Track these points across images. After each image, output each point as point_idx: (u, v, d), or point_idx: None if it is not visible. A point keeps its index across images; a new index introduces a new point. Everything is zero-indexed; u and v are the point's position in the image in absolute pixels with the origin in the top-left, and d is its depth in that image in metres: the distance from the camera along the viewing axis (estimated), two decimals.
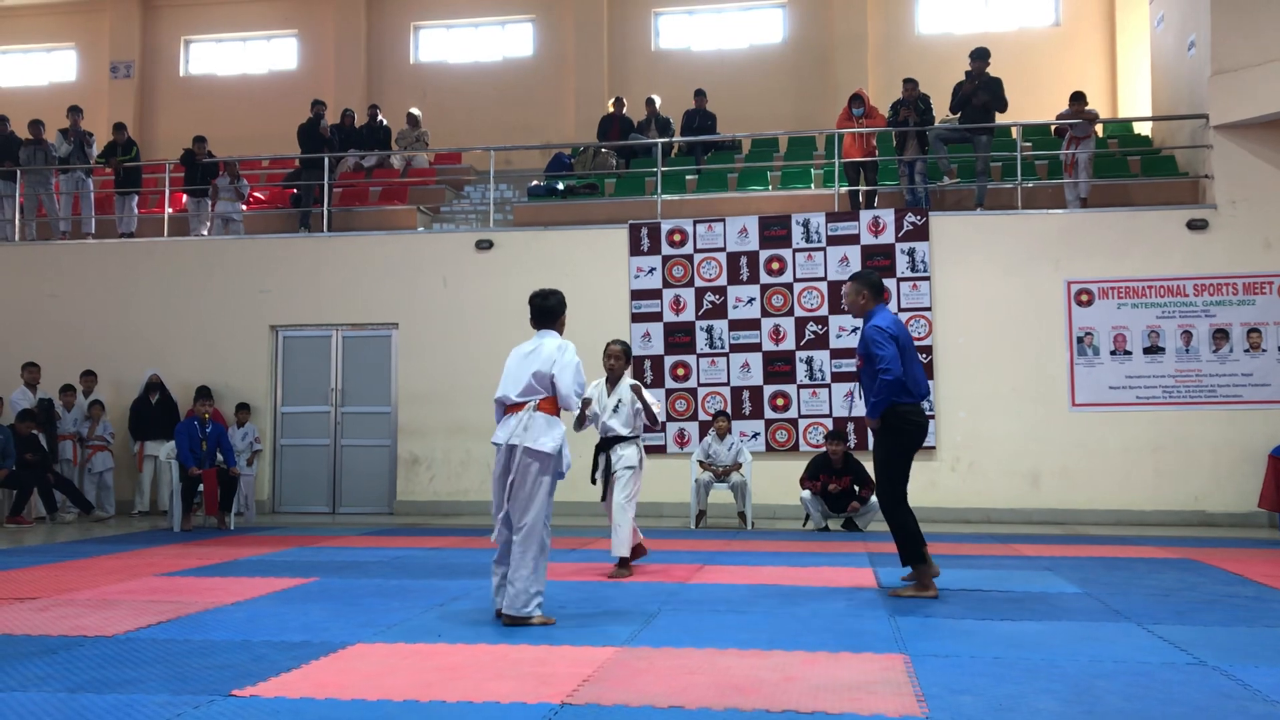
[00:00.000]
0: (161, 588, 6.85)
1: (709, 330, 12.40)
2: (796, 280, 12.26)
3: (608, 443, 7.47)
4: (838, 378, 12.07)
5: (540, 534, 5.47)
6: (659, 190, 13.40)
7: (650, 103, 15.15)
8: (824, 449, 10.89)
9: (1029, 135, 14.04)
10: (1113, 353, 11.70)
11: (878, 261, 12.11)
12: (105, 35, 19.80)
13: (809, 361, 12.15)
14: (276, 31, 19.81)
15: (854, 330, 12.01)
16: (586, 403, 6.88)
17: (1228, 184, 11.74)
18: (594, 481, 7.61)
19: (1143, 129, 15.25)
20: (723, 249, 12.48)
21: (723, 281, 12.44)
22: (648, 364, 12.44)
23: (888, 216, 12.21)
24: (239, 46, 20.03)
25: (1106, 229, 11.87)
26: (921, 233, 12.09)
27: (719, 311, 12.41)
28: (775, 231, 12.41)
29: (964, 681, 4.27)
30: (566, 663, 4.60)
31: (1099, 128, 13.84)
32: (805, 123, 16.66)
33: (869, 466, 10.75)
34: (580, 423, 6.97)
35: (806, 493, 10.65)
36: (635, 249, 12.66)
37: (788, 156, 15.49)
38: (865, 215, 12.29)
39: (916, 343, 11.84)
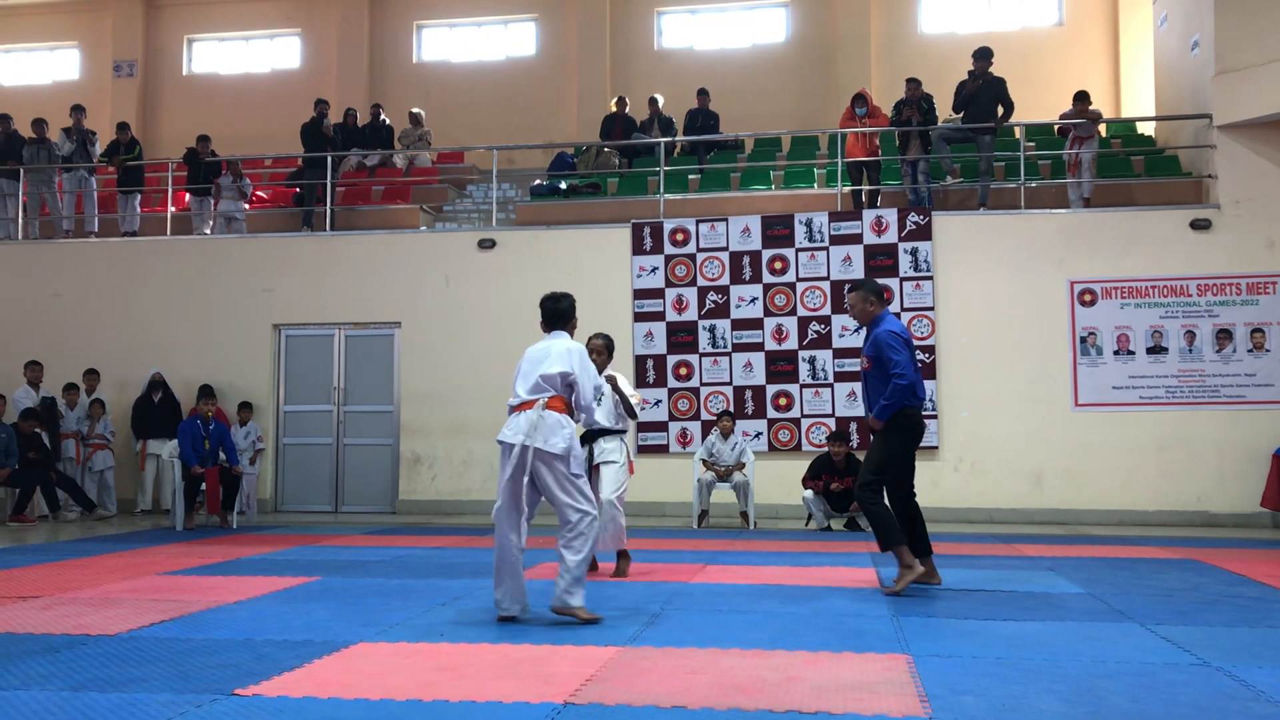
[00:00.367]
0: (164, 586, 6.85)
1: (712, 330, 12.39)
2: (799, 280, 12.25)
3: (591, 435, 7.33)
4: (840, 377, 12.06)
5: (583, 525, 5.49)
6: (661, 190, 13.40)
7: (653, 102, 15.15)
8: (826, 449, 10.88)
9: (1032, 135, 14.03)
10: (1116, 353, 11.69)
11: (880, 261, 12.10)
12: (108, 34, 19.82)
13: (811, 361, 12.14)
14: (279, 30, 19.82)
15: (857, 330, 11.98)
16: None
17: (1231, 184, 11.73)
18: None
19: (1146, 129, 15.24)
20: (725, 248, 12.47)
21: (725, 281, 12.43)
22: (650, 363, 12.44)
23: (891, 216, 12.21)
24: (242, 45, 20.04)
25: (1109, 229, 11.86)
26: (924, 232, 12.08)
27: (722, 311, 12.40)
28: (778, 231, 12.40)
29: (967, 682, 4.26)
30: (569, 662, 4.60)
31: (1102, 127, 13.84)
32: (808, 122, 16.65)
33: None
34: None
35: (809, 492, 10.64)
36: (638, 248, 12.66)
37: (791, 156, 15.49)
38: (868, 215, 12.29)
39: (919, 342, 11.93)
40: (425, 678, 4.32)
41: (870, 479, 6.55)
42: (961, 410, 11.85)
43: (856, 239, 12.23)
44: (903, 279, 12.05)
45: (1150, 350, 11.64)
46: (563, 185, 14.55)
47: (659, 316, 12.51)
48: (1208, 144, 12.13)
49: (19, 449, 11.76)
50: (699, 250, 12.53)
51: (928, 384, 11.87)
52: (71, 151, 14.68)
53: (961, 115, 12.87)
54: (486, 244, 12.97)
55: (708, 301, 12.44)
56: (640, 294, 12.55)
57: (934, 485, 11.78)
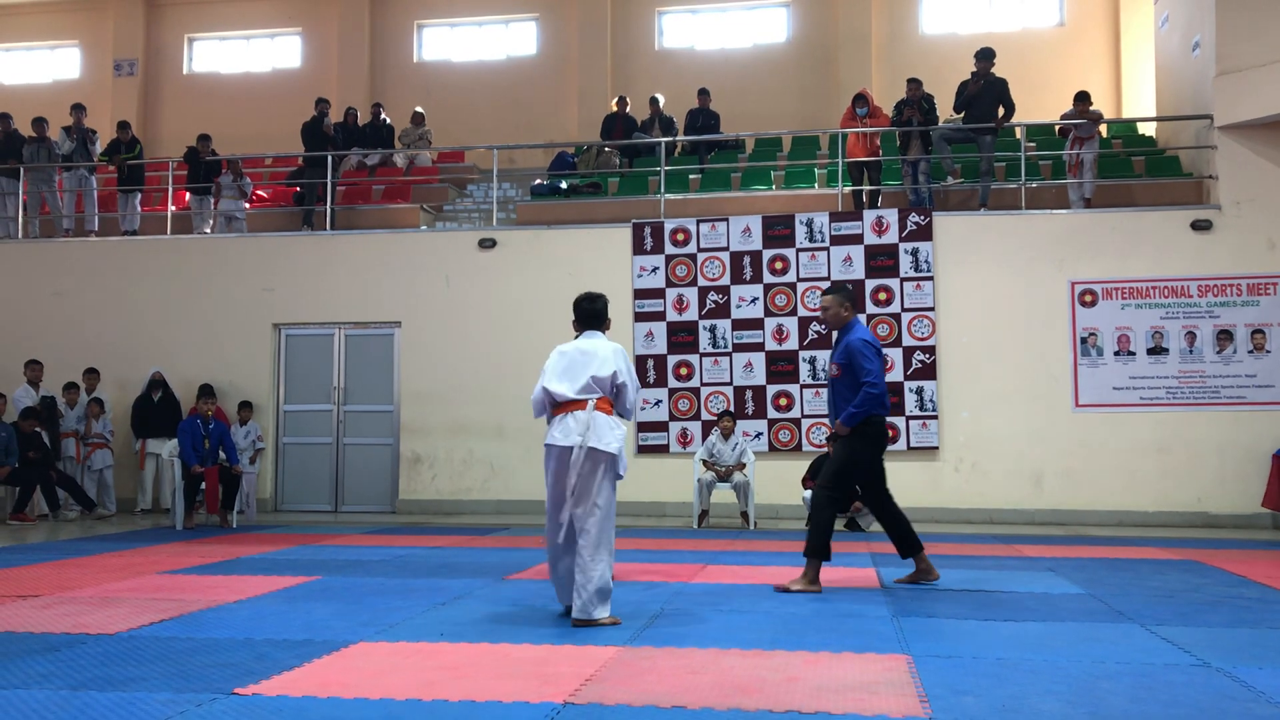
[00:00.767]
0: (164, 586, 6.85)
1: (712, 330, 12.39)
2: (800, 280, 12.25)
3: None
4: None
5: (609, 535, 5.51)
6: (662, 189, 13.40)
7: (654, 102, 15.15)
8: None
9: (1033, 135, 14.03)
10: (1116, 353, 11.69)
11: (881, 261, 12.10)
12: (109, 33, 19.82)
13: (812, 361, 12.14)
14: (280, 29, 19.83)
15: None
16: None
17: (1232, 185, 11.72)
18: None
19: (1147, 129, 15.23)
20: (726, 248, 12.47)
21: (726, 281, 12.43)
22: (651, 363, 12.43)
23: (891, 216, 12.20)
24: (242, 44, 20.05)
25: (1110, 229, 11.86)
26: (925, 233, 12.07)
27: (722, 311, 12.40)
28: (779, 231, 12.40)
29: (967, 682, 4.26)
30: (569, 662, 4.60)
31: (1103, 128, 13.84)
32: (809, 122, 16.66)
33: None
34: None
35: (809, 492, 10.63)
36: (638, 248, 12.65)
37: (791, 156, 15.49)
38: (869, 215, 12.28)
39: (920, 343, 11.93)
40: (425, 677, 4.32)
41: (829, 484, 6.62)
42: (962, 411, 11.84)
43: (857, 239, 12.22)
44: (903, 279, 12.05)
45: (1151, 351, 11.64)
46: (563, 185, 14.55)
47: (659, 316, 12.51)
48: (1209, 145, 12.13)
49: (19, 448, 11.76)
50: (700, 250, 12.53)
51: (928, 385, 11.88)
52: (72, 150, 14.68)
53: (963, 115, 12.86)
54: (487, 243, 12.97)
55: (708, 301, 12.44)
56: (641, 294, 12.55)
57: (934, 486, 11.79)
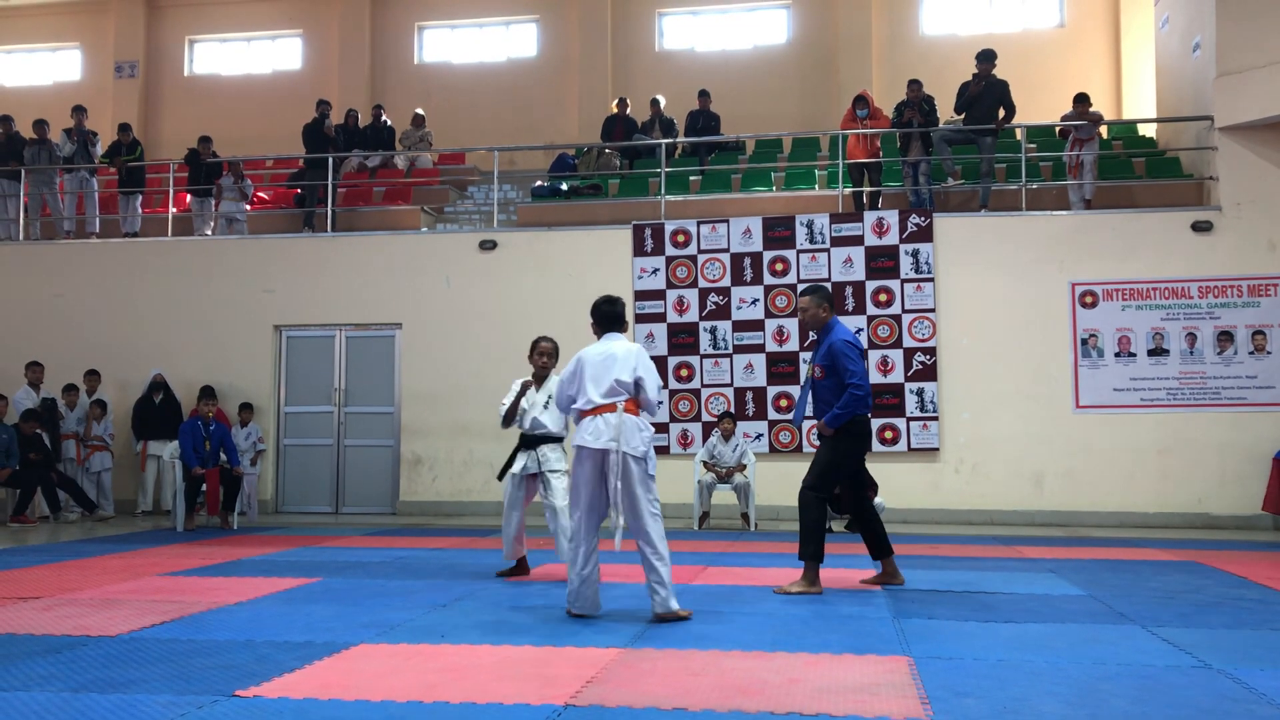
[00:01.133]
0: (165, 587, 6.85)
1: (713, 331, 12.39)
2: (800, 281, 12.24)
3: (535, 440, 7.16)
4: None
5: (660, 529, 5.68)
6: (663, 191, 13.40)
7: (654, 103, 15.15)
8: None
9: (1033, 137, 14.02)
10: (1117, 355, 11.69)
11: (882, 263, 12.10)
12: (110, 35, 19.83)
13: None
14: (281, 31, 19.83)
15: (858, 331, 12.00)
16: (517, 400, 7.12)
17: (1232, 186, 11.72)
18: (501, 477, 7.27)
19: (1147, 130, 15.23)
20: (726, 250, 12.47)
21: (726, 282, 12.43)
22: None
23: (892, 218, 12.20)
24: (243, 46, 20.05)
25: (1111, 231, 11.86)
26: (926, 234, 12.07)
27: (723, 312, 12.40)
28: (779, 232, 12.40)
29: (968, 684, 4.26)
30: (570, 664, 4.60)
31: (1103, 129, 13.84)
32: (809, 123, 16.66)
33: (871, 469, 10.77)
34: (510, 419, 7.13)
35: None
36: (639, 250, 12.66)
37: (792, 157, 15.49)
38: (869, 216, 12.28)
39: (921, 344, 11.94)
40: (426, 679, 4.32)
41: (815, 484, 6.64)
42: (962, 412, 11.84)
43: (858, 240, 12.22)
44: (904, 280, 12.05)
45: (1151, 352, 11.64)
46: (564, 186, 14.55)
47: (660, 318, 12.51)
48: (1209, 146, 12.13)
49: (20, 450, 11.76)
50: (700, 251, 12.53)
51: (929, 386, 11.88)
52: (73, 152, 14.68)
53: (963, 117, 12.86)
54: (487, 245, 12.97)
55: (709, 303, 12.44)
56: (641, 295, 12.55)
57: (935, 487, 11.78)
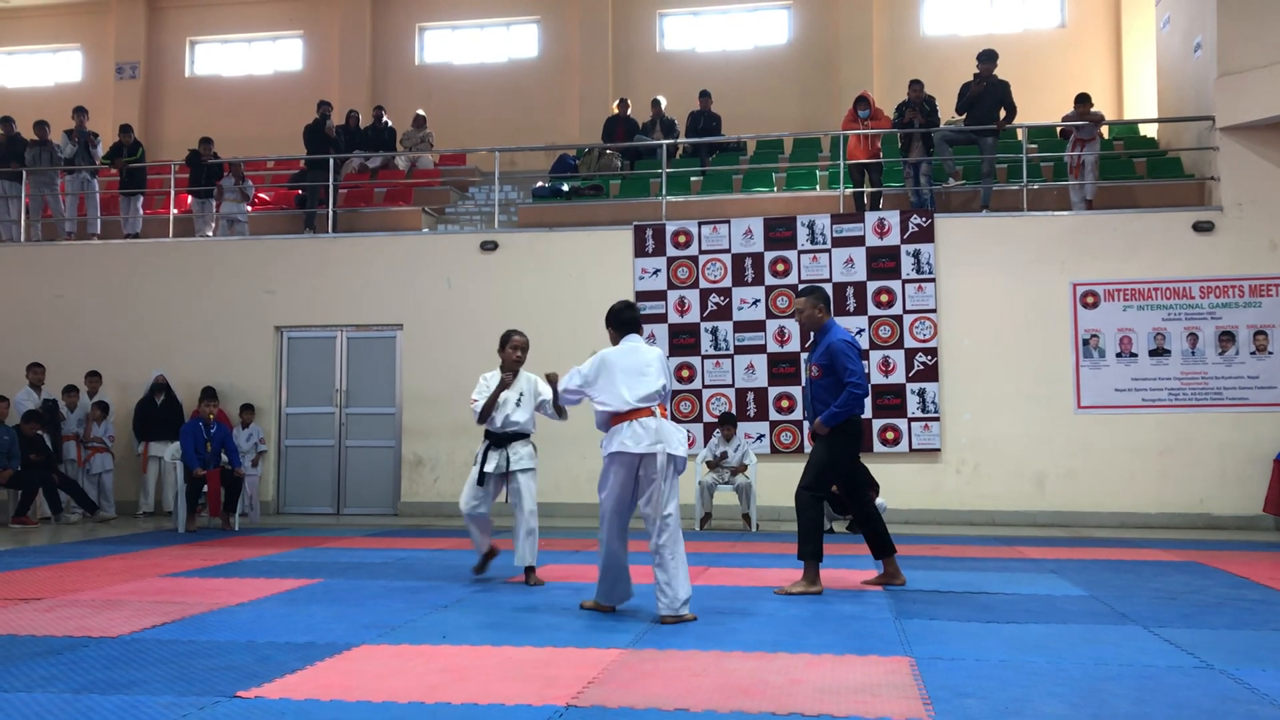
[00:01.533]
0: (166, 589, 6.85)
1: (714, 332, 12.39)
2: (801, 282, 12.23)
3: (507, 438, 7.09)
4: None
5: (680, 530, 5.77)
6: (664, 192, 13.40)
7: (655, 104, 15.15)
8: None
9: (1034, 137, 14.02)
10: (1118, 355, 11.68)
11: (883, 263, 12.10)
12: (110, 36, 19.84)
13: None
14: (282, 32, 19.84)
15: (858, 332, 12.00)
16: (495, 397, 6.99)
17: (1234, 186, 11.71)
18: (481, 480, 7.10)
19: (1148, 131, 15.23)
20: (727, 250, 12.47)
21: (727, 283, 12.43)
22: None
23: (893, 218, 12.20)
24: (244, 47, 20.06)
25: (1112, 231, 11.85)
26: (927, 234, 12.07)
27: (724, 313, 12.40)
28: (780, 233, 12.40)
29: (970, 684, 4.26)
30: (571, 664, 4.60)
31: (1104, 129, 13.83)
32: (810, 124, 16.66)
33: (872, 470, 10.77)
34: (486, 416, 7.02)
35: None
36: (640, 250, 12.66)
37: (793, 158, 15.49)
38: (870, 217, 12.28)
39: (922, 344, 11.93)
40: (428, 680, 4.32)
41: (812, 484, 6.65)
42: (964, 413, 11.84)
43: (859, 241, 12.22)
44: (905, 281, 12.05)
45: (1153, 352, 11.63)
46: (565, 187, 14.55)
47: (661, 319, 12.50)
48: (1210, 146, 12.12)
49: (21, 451, 11.76)
50: (701, 252, 12.53)
51: (930, 386, 11.88)
52: (74, 153, 14.69)
53: (964, 117, 12.86)
54: (488, 246, 12.97)
55: (710, 304, 12.44)
56: (642, 296, 12.54)
57: (936, 488, 11.78)
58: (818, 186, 13.90)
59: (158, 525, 11.68)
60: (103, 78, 19.82)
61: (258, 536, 10.34)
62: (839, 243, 12.27)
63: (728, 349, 12.35)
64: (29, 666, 4.56)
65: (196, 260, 13.64)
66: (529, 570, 7.20)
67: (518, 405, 7.08)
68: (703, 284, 12.47)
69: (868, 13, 17.46)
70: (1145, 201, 12.49)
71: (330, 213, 13.84)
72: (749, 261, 12.42)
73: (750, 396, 12.22)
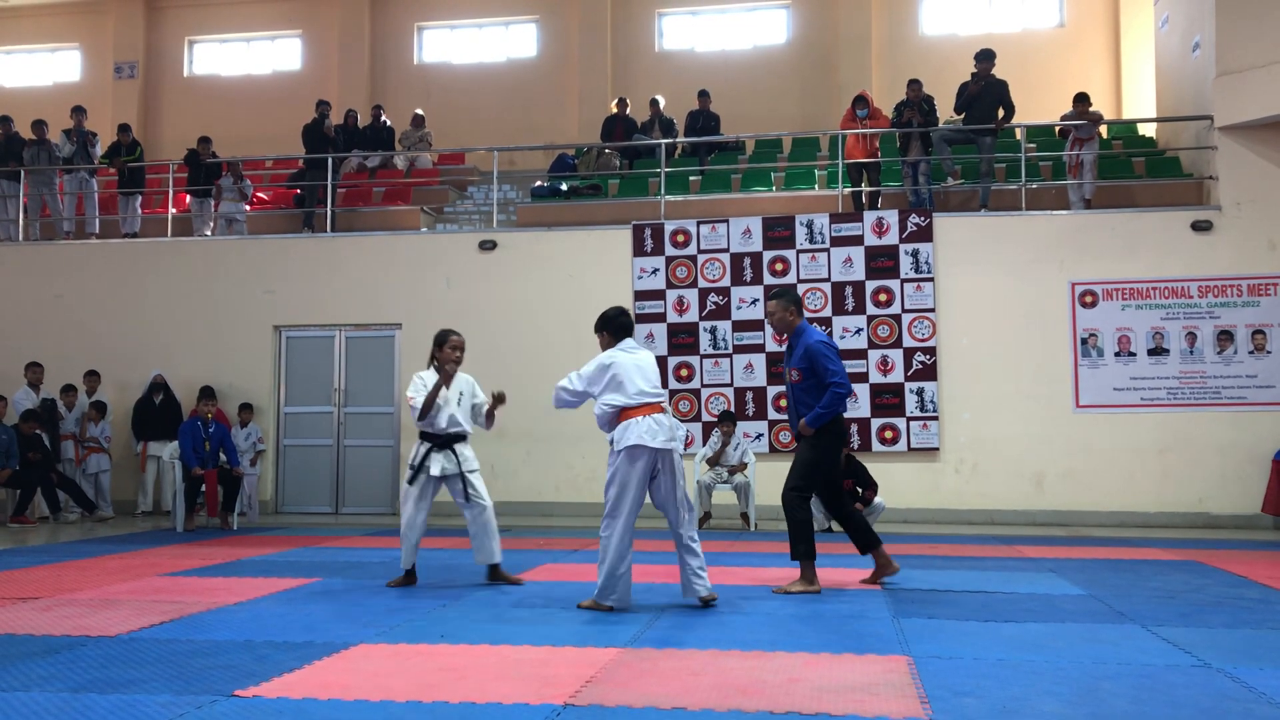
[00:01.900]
0: (164, 588, 6.85)
1: (712, 331, 12.39)
2: (800, 281, 12.24)
3: (450, 439, 6.96)
4: None
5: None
6: (662, 191, 13.40)
7: (654, 103, 15.15)
8: None
9: (1033, 136, 14.02)
10: (1117, 354, 11.68)
11: (881, 262, 12.10)
12: (109, 35, 19.83)
13: None
14: (280, 32, 19.83)
15: (858, 331, 12.01)
16: (434, 395, 6.81)
17: (1232, 185, 11.72)
18: (413, 480, 6.91)
19: (1147, 130, 15.23)
20: (726, 250, 12.47)
21: (726, 282, 12.43)
22: None
23: (891, 217, 12.20)
24: (243, 47, 20.05)
25: (1111, 230, 11.85)
26: (925, 234, 12.07)
27: (722, 312, 12.40)
28: (779, 232, 12.40)
29: (968, 683, 4.26)
30: (569, 664, 4.60)
31: (1103, 129, 13.83)
32: (809, 123, 16.65)
33: (871, 469, 10.78)
34: (425, 414, 6.84)
35: (811, 495, 10.61)
36: (639, 250, 12.65)
37: (791, 157, 15.49)
38: (869, 216, 12.28)
39: (921, 344, 11.93)
40: (425, 679, 4.32)
41: (800, 484, 6.68)
42: (963, 412, 11.84)
43: (857, 240, 12.22)
44: (904, 280, 12.05)
45: (1151, 352, 11.63)
46: (563, 187, 14.54)
47: (660, 318, 12.50)
48: (1209, 145, 12.13)
49: (19, 450, 11.76)
50: (700, 251, 12.53)
51: (929, 386, 11.88)
52: (72, 153, 14.68)
53: (963, 117, 12.87)
54: (487, 245, 12.97)
55: (709, 303, 12.44)
56: (641, 295, 12.54)
57: (935, 487, 11.78)
58: (816, 186, 13.90)
59: (156, 525, 11.68)
60: (101, 77, 19.80)
61: (256, 536, 10.34)
62: (837, 242, 12.27)
63: (726, 348, 12.35)
64: (27, 666, 4.55)
65: (195, 260, 13.63)
66: (496, 567, 7.06)
67: (458, 405, 6.94)
68: (701, 283, 12.47)
69: (866, 12, 17.46)
70: (1144, 201, 12.49)
71: (329, 212, 13.83)
72: (747, 261, 12.42)
73: (749, 395, 12.22)
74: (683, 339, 12.41)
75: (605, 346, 6.14)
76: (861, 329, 12.01)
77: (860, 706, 3.90)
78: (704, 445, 11.57)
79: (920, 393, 11.88)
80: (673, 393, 12.34)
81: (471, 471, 7.02)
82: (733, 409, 12.08)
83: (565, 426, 12.37)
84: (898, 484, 11.55)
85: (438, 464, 6.91)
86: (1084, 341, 11.74)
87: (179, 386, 12.97)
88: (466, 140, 17.17)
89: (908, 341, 11.97)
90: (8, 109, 16.21)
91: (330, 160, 14.13)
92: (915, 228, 12.11)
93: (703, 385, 12.33)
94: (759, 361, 12.25)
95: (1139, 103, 16.15)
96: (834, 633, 5.33)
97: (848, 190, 12.93)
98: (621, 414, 5.89)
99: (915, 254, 12.07)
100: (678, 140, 14.69)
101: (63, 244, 14.28)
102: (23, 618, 5.71)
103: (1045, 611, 5.97)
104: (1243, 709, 3.92)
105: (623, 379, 5.90)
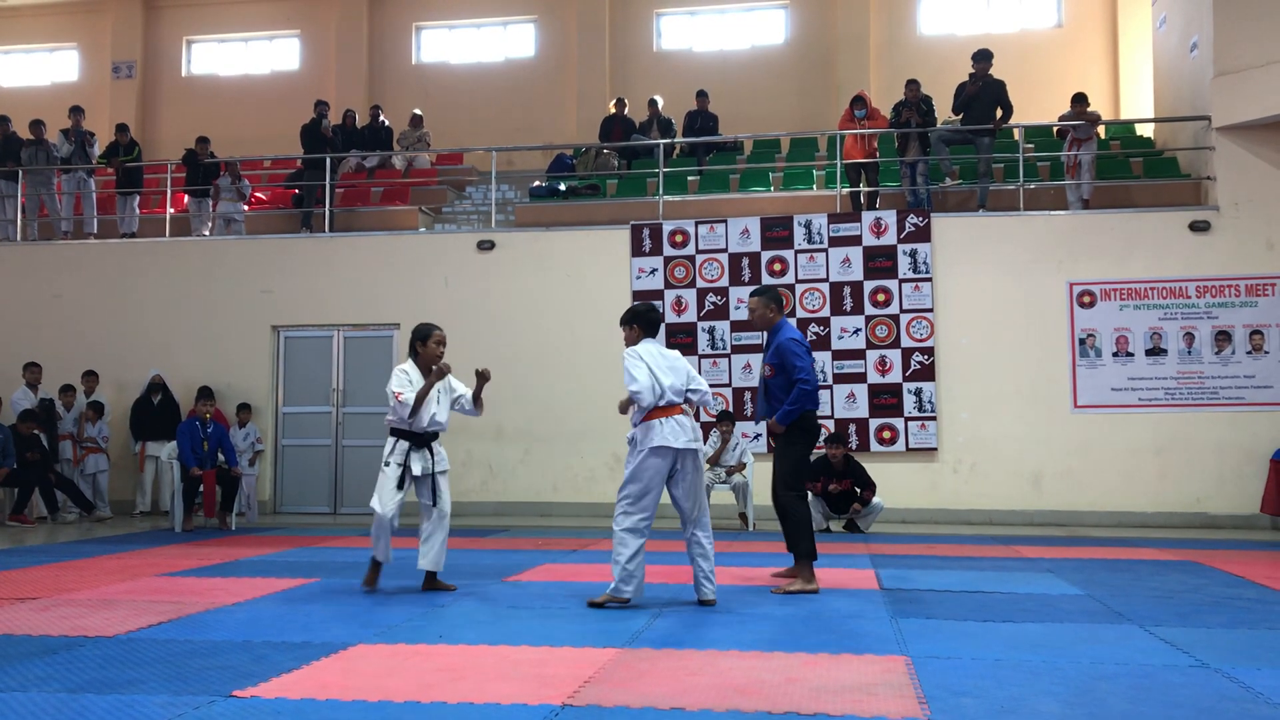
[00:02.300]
0: (162, 588, 6.84)
1: (711, 331, 12.39)
2: (798, 281, 12.25)
3: (429, 438, 6.80)
4: (839, 379, 12.06)
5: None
6: (661, 191, 13.40)
7: (652, 103, 15.15)
8: (824, 451, 10.86)
9: (1031, 137, 14.03)
10: (1115, 354, 11.69)
11: (879, 263, 12.11)
12: (107, 35, 19.81)
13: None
14: (279, 32, 19.82)
15: (856, 331, 12.01)
16: (426, 392, 6.60)
17: (1230, 186, 11.73)
18: (401, 485, 6.65)
19: (1145, 130, 15.24)
20: (724, 250, 12.47)
21: (724, 283, 12.43)
22: None
23: (890, 218, 12.21)
24: (241, 47, 20.04)
25: (1109, 230, 11.86)
26: (923, 234, 12.08)
27: (721, 313, 12.40)
28: (777, 232, 12.40)
29: (965, 683, 4.26)
30: (568, 664, 4.60)
31: (1101, 129, 13.84)
32: (807, 124, 16.65)
33: (869, 469, 10.79)
34: (415, 412, 6.62)
35: (808, 493, 10.61)
36: (637, 250, 12.66)
37: (790, 157, 15.49)
38: (867, 216, 12.29)
39: (919, 344, 11.94)
40: (424, 679, 4.32)
41: (790, 483, 6.76)
42: (961, 412, 11.85)
43: (855, 240, 12.22)
44: (902, 280, 12.05)
45: (1149, 352, 11.64)
46: (562, 187, 14.54)
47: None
48: (1207, 146, 12.14)
49: (17, 450, 11.75)
50: (698, 252, 12.53)
51: (927, 386, 11.88)
52: (70, 153, 14.67)
53: (961, 117, 12.87)
54: (485, 245, 12.97)
55: (707, 303, 12.44)
56: (639, 295, 12.54)
57: (933, 487, 11.79)
58: (814, 186, 13.91)
59: (154, 525, 11.67)
60: (99, 77, 19.79)
61: (254, 536, 10.33)
62: (836, 242, 12.27)
63: (725, 348, 12.35)
64: (24, 666, 4.55)
65: (193, 260, 13.62)
66: (433, 575, 6.86)
67: (438, 404, 6.76)
68: (700, 283, 12.48)
69: (865, 12, 17.46)
70: (1142, 201, 12.50)
71: (327, 212, 13.83)
72: (746, 261, 12.42)
73: (747, 396, 12.22)
74: (681, 339, 12.40)
75: (632, 341, 6.22)
76: (860, 329, 12.02)
77: (858, 706, 3.90)
78: (703, 445, 11.55)
79: (918, 393, 11.88)
80: None
81: (442, 473, 6.86)
82: (731, 409, 12.08)
83: (564, 426, 12.38)
84: (896, 484, 11.56)
85: (418, 464, 6.73)
86: (1082, 342, 11.75)
87: (177, 386, 12.96)
88: (465, 140, 17.17)
89: (906, 342, 11.97)
90: (6, 109, 16.20)
91: (328, 160, 14.12)
92: (913, 228, 12.12)
93: None
94: (757, 362, 12.24)
95: (1137, 103, 16.16)
96: (832, 633, 5.33)
97: (846, 190, 12.94)
98: (646, 414, 6.01)
99: (913, 254, 12.08)
100: (676, 140, 14.70)
101: (61, 244, 14.27)
102: (20, 618, 5.70)
103: (1043, 611, 5.97)
104: (1240, 709, 3.92)
105: (651, 374, 6.04)
